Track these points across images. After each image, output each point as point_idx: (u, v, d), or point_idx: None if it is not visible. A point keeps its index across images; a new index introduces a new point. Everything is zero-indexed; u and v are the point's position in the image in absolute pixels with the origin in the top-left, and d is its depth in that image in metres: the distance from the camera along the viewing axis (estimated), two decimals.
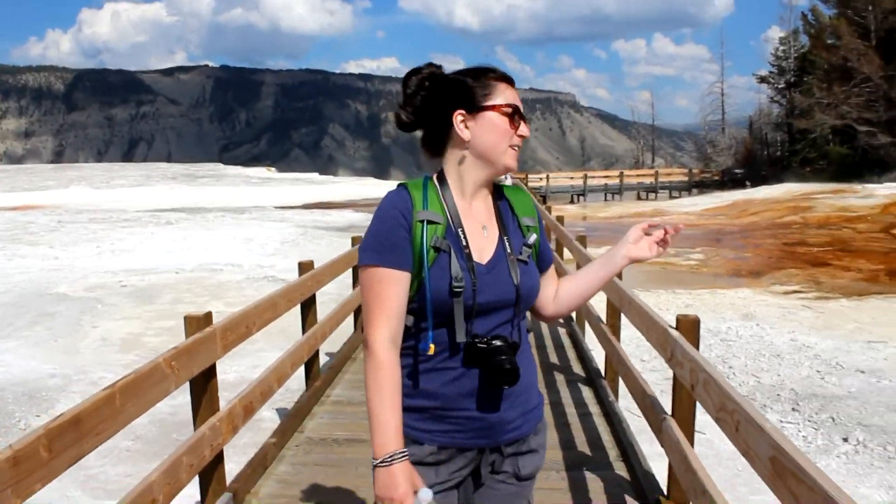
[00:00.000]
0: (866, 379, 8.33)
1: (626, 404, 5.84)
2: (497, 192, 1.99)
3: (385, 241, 1.79)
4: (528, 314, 2.00)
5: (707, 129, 66.16)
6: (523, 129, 1.86)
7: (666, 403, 3.67)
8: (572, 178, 50.12)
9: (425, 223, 1.80)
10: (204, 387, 3.67)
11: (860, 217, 25.01)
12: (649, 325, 3.84)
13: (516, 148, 1.86)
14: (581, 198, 44.96)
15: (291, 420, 5.16)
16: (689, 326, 3.41)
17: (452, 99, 1.85)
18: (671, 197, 45.56)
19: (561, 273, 10.05)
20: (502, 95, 1.85)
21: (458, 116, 1.84)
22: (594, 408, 5.45)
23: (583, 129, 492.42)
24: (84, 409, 2.45)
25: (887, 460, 6.10)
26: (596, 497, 3.94)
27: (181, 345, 3.43)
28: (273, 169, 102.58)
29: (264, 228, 24.68)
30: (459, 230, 1.84)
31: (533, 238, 1.94)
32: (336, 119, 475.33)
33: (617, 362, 5.04)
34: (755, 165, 50.84)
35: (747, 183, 43.35)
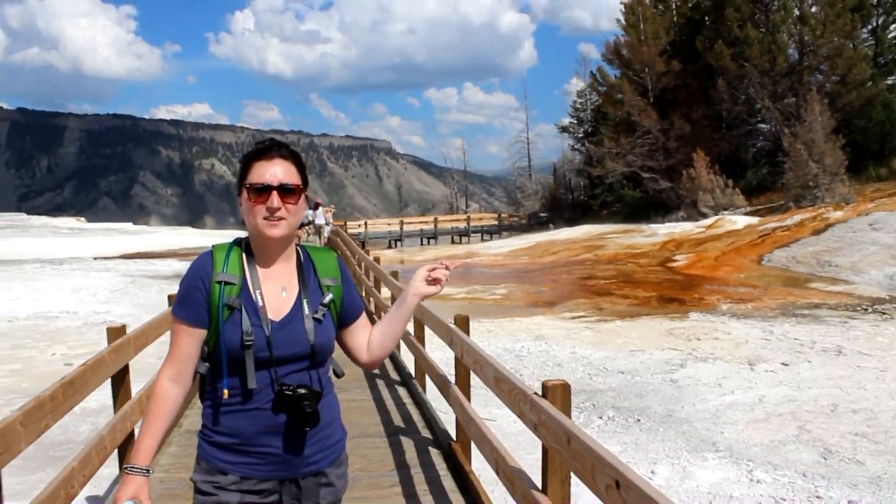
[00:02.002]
0: (624, 377, 10.56)
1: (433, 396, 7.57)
2: (305, 254, 2.24)
3: (185, 297, 2.10)
4: (333, 359, 2.28)
5: (516, 174, 69.90)
6: (269, 202, 2.06)
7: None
8: (389, 223, 52.31)
9: (222, 284, 2.07)
10: (122, 378, 5.02)
11: (643, 253, 28.50)
12: (438, 324, 5.60)
13: (272, 219, 2.07)
14: (398, 243, 47.06)
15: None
16: (462, 322, 5.19)
17: (237, 181, 2.17)
18: (482, 240, 48.57)
19: (381, 308, 11.69)
20: (254, 173, 2.09)
21: (238, 199, 2.16)
22: (407, 399, 7.20)
23: (399, 175, 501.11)
24: (47, 394, 3.74)
25: (626, 428, 8.20)
26: (408, 451, 5.63)
27: (105, 350, 4.71)
28: (82, 219, 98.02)
29: (90, 279, 24.73)
30: (257, 291, 2.10)
31: (329, 297, 2.19)
32: (146, 166, 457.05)
33: (421, 360, 6.81)
34: (559, 209, 54.87)
35: (551, 225, 47.04)
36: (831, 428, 8.28)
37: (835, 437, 7.94)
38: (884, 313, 15.51)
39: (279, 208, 2.05)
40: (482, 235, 50.97)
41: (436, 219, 52.88)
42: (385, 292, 11.44)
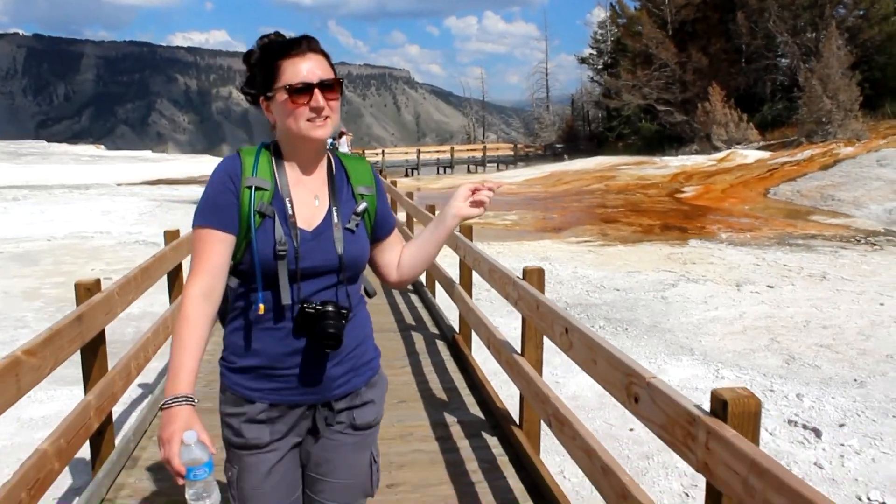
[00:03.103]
0: (620, 294, 11.49)
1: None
2: (337, 161, 2.10)
3: (212, 203, 1.91)
4: (365, 278, 2.14)
5: (534, 105, 70.04)
6: (314, 101, 1.90)
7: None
8: (407, 152, 53.03)
9: (253, 189, 1.90)
10: (177, 274, 5.91)
11: (653, 184, 29.18)
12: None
13: (318, 120, 1.92)
14: (415, 171, 47.80)
15: None
16: (466, 230, 6.08)
17: (257, 87, 1.98)
18: (498, 169, 49.18)
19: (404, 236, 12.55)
20: (287, 72, 1.91)
21: (263, 104, 1.98)
22: (418, 303, 8.15)
23: (418, 105, 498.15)
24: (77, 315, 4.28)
25: (615, 335, 9.15)
26: (418, 342, 6.60)
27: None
28: (102, 147, 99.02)
29: (117, 203, 25.77)
30: (287, 199, 1.94)
31: (363, 206, 2.04)
32: (164, 94, 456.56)
33: (430, 268, 7.55)
34: (575, 140, 55.22)
35: (566, 156, 47.53)
36: (800, 340, 9.19)
37: (801, 348, 8.85)
38: (875, 244, 16.27)
39: (324, 107, 1.92)
40: (498, 165, 51.50)
41: (452, 148, 53.47)
42: (401, 217, 12.32)
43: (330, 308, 1.90)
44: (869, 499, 5.03)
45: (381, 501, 3.68)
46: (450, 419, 4.89)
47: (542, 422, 4.11)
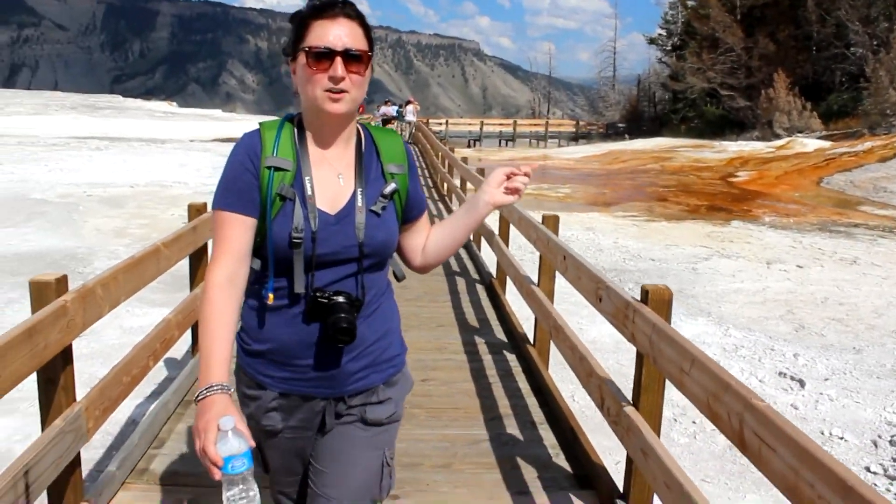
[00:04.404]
0: (654, 264, 12.33)
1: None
2: (367, 136, 1.95)
3: (231, 185, 1.80)
4: (395, 260, 2.03)
5: (601, 84, 70.01)
6: (332, 69, 1.75)
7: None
8: (470, 123, 54.04)
9: (272, 170, 1.79)
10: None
11: (708, 167, 29.64)
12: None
13: (337, 91, 1.77)
14: (477, 143, 48.71)
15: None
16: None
17: (286, 45, 1.86)
18: (559, 145, 49.80)
19: (452, 191, 13.53)
20: (312, 34, 1.78)
21: (291, 66, 1.85)
22: (464, 253, 9.12)
23: (485, 77, 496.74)
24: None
25: None
26: (459, 284, 7.61)
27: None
28: (174, 104, 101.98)
29: (191, 157, 27.25)
30: (307, 178, 1.81)
31: (391, 187, 1.89)
32: (235, 55, 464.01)
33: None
34: (639, 120, 55.47)
35: (626, 136, 47.95)
36: (815, 314, 9.95)
37: (813, 319, 9.62)
38: None
39: (343, 78, 1.76)
40: (559, 141, 52.05)
41: (515, 122, 54.28)
42: (456, 182, 13.29)
43: (341, 299, 1.79)
44: (830, 434, 5.91)
45: (416, 392, 4.73)
46: (478, 340, 5.93)
47: (550, 342, 5.10)
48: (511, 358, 5.52)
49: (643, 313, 2.97)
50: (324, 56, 1.75)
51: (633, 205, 19.96)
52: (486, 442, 4.09)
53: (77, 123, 48.83)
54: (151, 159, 25.61)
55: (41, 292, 2.75)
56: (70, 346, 2.87)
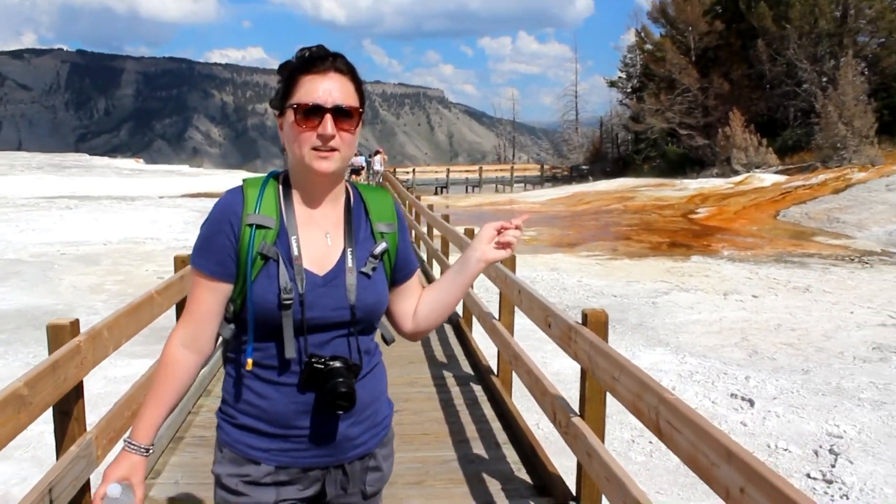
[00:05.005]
0: (615, 299, 12.85)
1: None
2: (356, 194, 1.89)
3: (205, 245, 1.76)
4: (384, 323, 1.95)
5: (564, 127, 71.24)
6: (321, 127, 1.69)
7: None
8: (437, 171, 54.89)
9: (254, 228, 1.72)
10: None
11: (669, 205, 30.46)
12: (451, 233, 7.82)
13: (326, 150, 1.70)
14: (444, 190, 49.45)
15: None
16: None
17: (274, 99, 1.79)
18: (525, 189, 50.62)
19: (428, 249, 14.03)
20: (301, 90, 1.72)
21: (279, 121, 1.78)
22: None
23: (451, 124, 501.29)
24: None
25: None
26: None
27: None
28: (141, 160, 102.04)
29: (162, 213, 27.50)
30: (293, 237, 1.74)
31: (382, 246, 1.84)
32: (201, 110, 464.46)
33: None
34: (602, 162, 56.55)
35: (590, 177, 48.89)
36: (767, 339, 10.49)
37: (766, 345, 10.16)
38: (866, 263, 17.45)
39: (333, 136, 1.70)
40: (525, 185, 52.83)
41: (481, 168, 55.15)
42: (434, 236, 13.75)
43: (339, 364, 1.73)
44: (776, 446, 6.38)
45: None
46: (446, 374, 6.36)
47: (512, 372, 5.53)
48: (477, 388, 5.95)
49: (583, 334, 3.43)
50: (313, 113, 1.69)
51: (597, 244, 20.59)
52: (455, 461, 4.51)
53: (43, 183, 48.74)
54: (123, 217, 25.84)
55: (57, 334, 3.13)
56: (82, 381, 3.24)
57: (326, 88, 1.70)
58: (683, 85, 43.81)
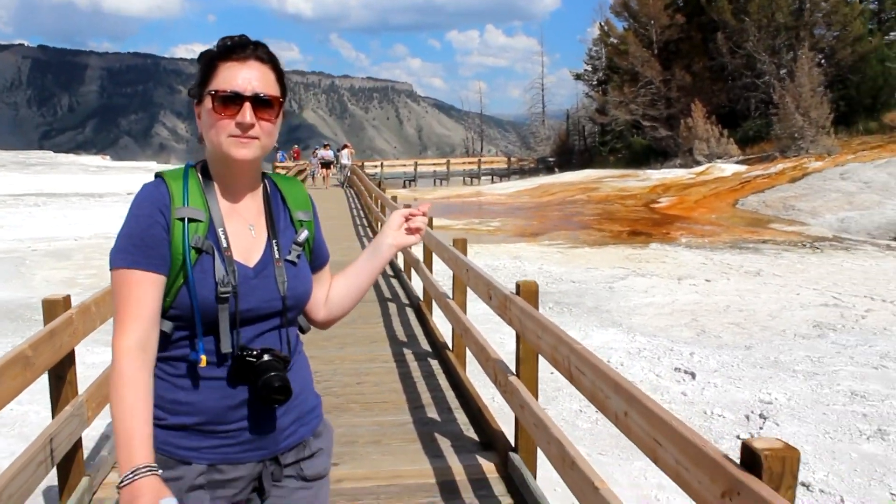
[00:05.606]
0: (574, 285, 13.39)
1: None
2: (271, 184, 1.88)
3: (139, 241, 1.65)
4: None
5: (532, 119, 71.76)
6: (240, 115, 1.66)
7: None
8: (405, 165, 55.40)
9: (186, 221, 1.67)
10: None
11: (632, 195, 31.17)
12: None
13: (245, 138, 1.68)
14: (412, 183, 49.90)
15: None
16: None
17: (192, 87, 1.76)
18: (492, 181, 51.22)
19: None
20: (220, 77, 1.69)
21: (196, 109, 1.75)
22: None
23: (420, 118, 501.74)
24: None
25: (560, 314, 11.05)
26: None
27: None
28: (107, 157, 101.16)
29: None
30: (221, 230, 1.71)
31: (304, 235, 1.85)
32: (167, 105, 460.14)
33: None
34: (569, 154, 57.25)
35: (556, 169, 49.58)
36: (716, 320, 11.08)
37: (714, 325, 10.74)
38: (816, 248, 18.19)
39: (252, 125, 1.67)
40: (492, 178, 53.44)
41: (448, 161, 55.64)
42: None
43: (269, 357, 1.70)
44: (712, 412, 6.92)
45: (350, 392, 5.61)
46: (406, 351, 6.84)
47: (465, 348, 6.02)
48: (434, 363, 6.43)
49: (516, 302, 3.91)
50: (231, 101, 1.66)
51: (559, 234, 21.17)
52: (411, 424, 4.99)
53: (8, 181, 48.44)
54: (92, 213, 25.98)
55: (52, 307, 3.57)
56: (74, 350, 3.65)
57: (246, 77, 1.68)
58: (646, 77, 44.63)
